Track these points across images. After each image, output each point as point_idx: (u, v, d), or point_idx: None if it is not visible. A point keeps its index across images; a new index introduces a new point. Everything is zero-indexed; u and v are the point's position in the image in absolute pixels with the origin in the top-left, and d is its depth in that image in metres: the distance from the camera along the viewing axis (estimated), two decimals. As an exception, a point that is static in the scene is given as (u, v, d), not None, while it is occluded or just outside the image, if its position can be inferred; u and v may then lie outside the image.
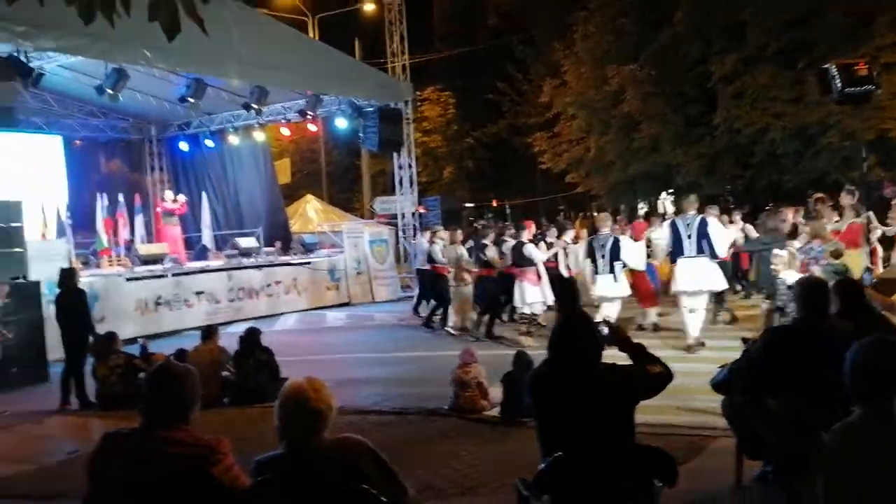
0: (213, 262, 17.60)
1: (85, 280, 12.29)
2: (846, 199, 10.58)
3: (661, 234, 10.66)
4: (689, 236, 9.59)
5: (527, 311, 11.47)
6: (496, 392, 7.41)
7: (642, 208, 31.25)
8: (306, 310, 17.38)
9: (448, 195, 34.52)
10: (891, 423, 2.56)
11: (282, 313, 16.83)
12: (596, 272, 10.18)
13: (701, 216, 9.87)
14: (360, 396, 8.63)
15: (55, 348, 10.24)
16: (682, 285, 9.68)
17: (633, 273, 10.93)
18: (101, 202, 17.47)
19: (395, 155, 20.90)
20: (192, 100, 15.50)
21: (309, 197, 28.99)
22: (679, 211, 10.45)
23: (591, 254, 10.32)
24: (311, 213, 27.13)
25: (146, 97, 17.86)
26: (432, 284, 13.51)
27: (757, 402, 4.42)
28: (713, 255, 9.61)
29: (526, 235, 12.09)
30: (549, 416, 3.51)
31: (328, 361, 11.14)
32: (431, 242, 13.69)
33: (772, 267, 9.22)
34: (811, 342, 4.22)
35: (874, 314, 5.17)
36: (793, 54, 21.36)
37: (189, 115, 19.13)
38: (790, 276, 8.18)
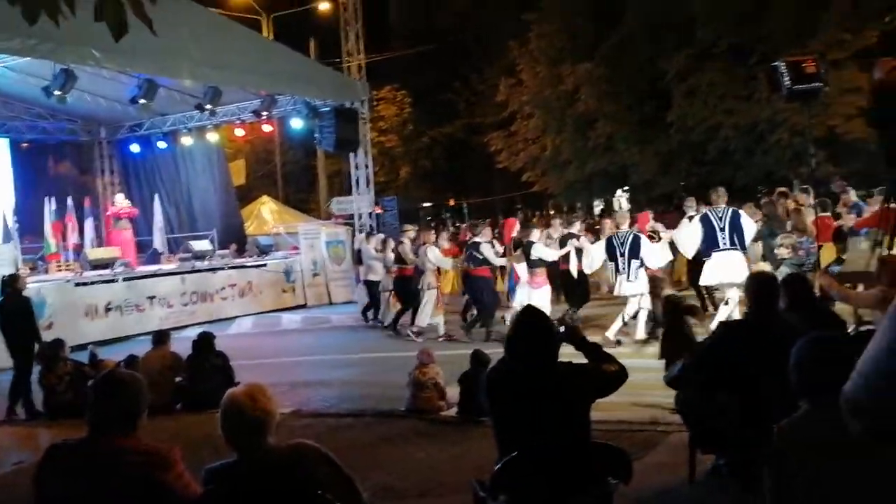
0: (166, 266, 17.32)
1: (33, 286, 12.00)
2: (804, 199, 10.78)
3: (688, 232, 10.44)
4: (723, 229, 9.62)
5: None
6: (454, 392, 7.40)
7: (598, 206, 31.61)
8: (262, 313, 17.18)
9: (405, 195, 34.46)
10: (836, 418, 2.59)
11: (237, 317, 16.62)
12: (617, 271, 10.10)
13: (732, 208, 9.92)
14: (316, 399, 8.56)
15: (1, 356, 9.96)
16: (717, 278, 9.77)
17: None
18: (50, 206, 17.06)
19: (351, 155, 20.77)
20: (143, 101, 15.25)
21: (265, 198, 28.69)
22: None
23: (610, 252, 10.22)
24: (266, 215, 26.85)
25: (95, 98, 17.50)
26: (402, 286, 13.06)
27: (707, 397, 4.47)
28: (743, 248, 9.66)
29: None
30: (504, 415, 3.51)
31: (284, 364, 11.03)
32: (399, 243, 13.45)
33: (778, 254, 9.43)
34: (760, 336, 4.28)
35: (821, 308, 5.28)
36: (743, 51, 21.74)
37: (141, 116, 18.80)
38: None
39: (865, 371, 2.25)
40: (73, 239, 17.58)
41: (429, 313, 12.21)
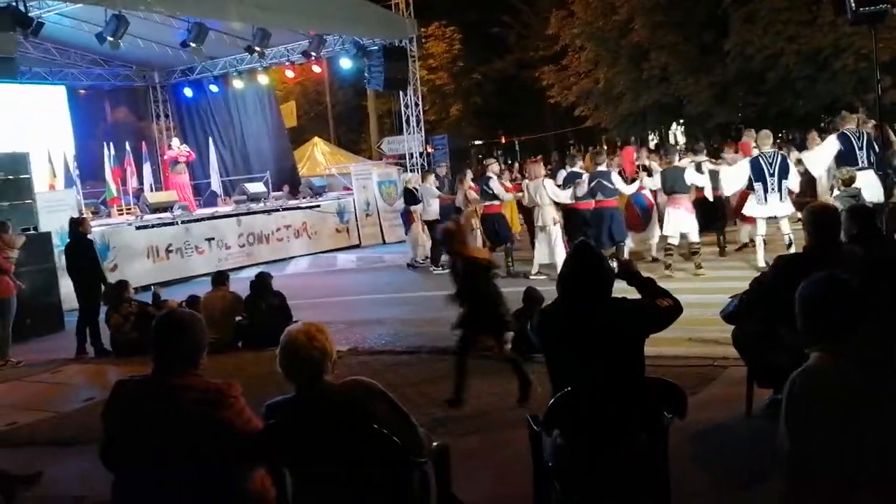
0: (223, 209, 17.62)
1: (96, 230, 12.33)
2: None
3: (738, 171, 10.42)
4: (772, 174, 9.71)
5: (674, 241, 10.58)
6: (507, 329, 7.42)
7: (653, 140, 30.96)
8: (316, 253, 17.42)
9: (456, 133, 34.20)
10: (850, 363, 2.48)
11: (292, 257, 16.89)
12: (765, 191, 9.90)
13: (781, 152, 10.05)
14: (372, 337, 8.69)
15: (69, 298, 10.33)
16: (762, 212, 9.88)
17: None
18: (109, 151, 17.43)
19: (401, 94, 20.65)
20: (193, 44, 15.30)
21: (316, 140, 28.81)
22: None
23: (757, 172, 10.00)
24: (318, 156, 27.00)
25: (148, 43, 17.65)
26: (493, 223, 12.43)
27: (768, 329, 4.40)
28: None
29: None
30: (558, 353, 3.50)
31: (340, 303, 11.20)
32: (488, 178, 12.47)
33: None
34: (822, 268, 4.17)
35: (887, 240, 5.11)
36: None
37: (192, 60, 18.92)
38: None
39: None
40: (132, 183, 18.00)
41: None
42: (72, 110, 19.50)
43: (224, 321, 8.49)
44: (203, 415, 2.96)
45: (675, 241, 10.54)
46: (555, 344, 3.51)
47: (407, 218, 14.43)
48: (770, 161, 9.83)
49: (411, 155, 20.50)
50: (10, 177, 11.11)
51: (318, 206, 18.34)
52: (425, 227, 14.01)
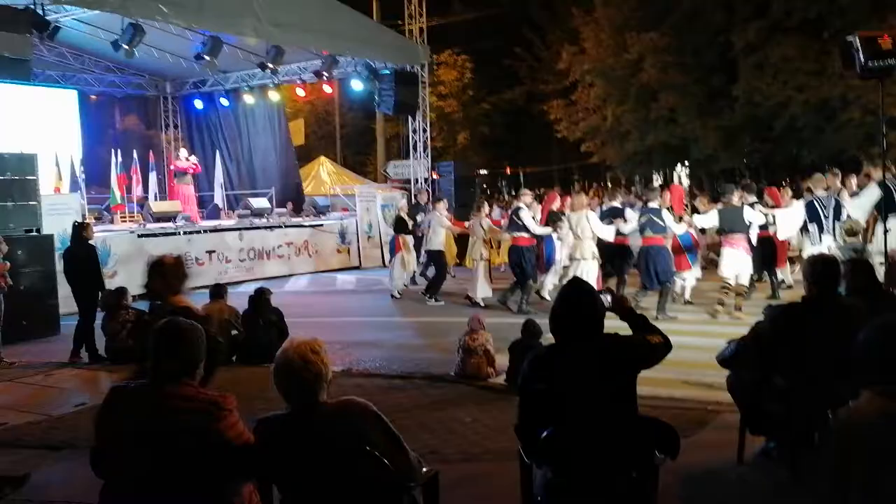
0: (225, 222, 17.65)
1: (98, 235, 12.35)
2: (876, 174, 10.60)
3: (793, 213, 10.56)
4: (827, 216, 9.82)
5: (732, 281, 10.35)
6: (503, 360, 7.43)
7: (657, 180, 31.11)
8: (316, 272, 17.43)
9: (462, 161, 34.33)
10: None
11: (292, 274, 16.89)
12: (820, 231, 9.93)
13: (835, 196, 9.99)
14: (367, 359, 8.68)
15: (66, 302, 10.32)
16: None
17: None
18: (116, 158, 17.49)
19: (409, 119, 20.79)
20: (207, 57, 15.42)
21: (322, 159, 28.95)
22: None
23: (812, 213, 10.06)
24: (324, 176, 27.13)
25: (162, 53, 17.80)
26: (520, 256, 11.65)
27: (764, 378, 4.41)
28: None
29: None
30: (552, 391, 3.48)
31: (337, 324, 11.19)
32: (518, 208, 11.96)
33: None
34: (820, 319, 4.20)
35: (886, 294, 5.14)
36: (818, 24, 21.00)
37: (205, 72, 19.07)
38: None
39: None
40: (137, 191, 18.06)
41: (480, 285, 12.16)
42: (82, 115, 19.62)
43: (219, 334, 8.46)
44: (197, 425, 2.97)
45: (732, 281, 10.33)
46: (548, 384, 3.48)
47: (394, 245, 14.04)
48: (824, 204, 9.93)
49: (416, 180, 20.59)
50: (17, 177, 11.13)
51: (321, 225, 18.38)
52: (426, 255, 13.83)
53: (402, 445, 3.12)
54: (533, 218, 11.66)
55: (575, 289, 3.67)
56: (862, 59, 7.62)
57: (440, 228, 13.20)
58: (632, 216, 11.22)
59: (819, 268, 4.50)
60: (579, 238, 10.97)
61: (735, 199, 10.59)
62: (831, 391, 4.03)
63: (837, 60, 15.40)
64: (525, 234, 11.49)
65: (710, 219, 10.89)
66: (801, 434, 4.20)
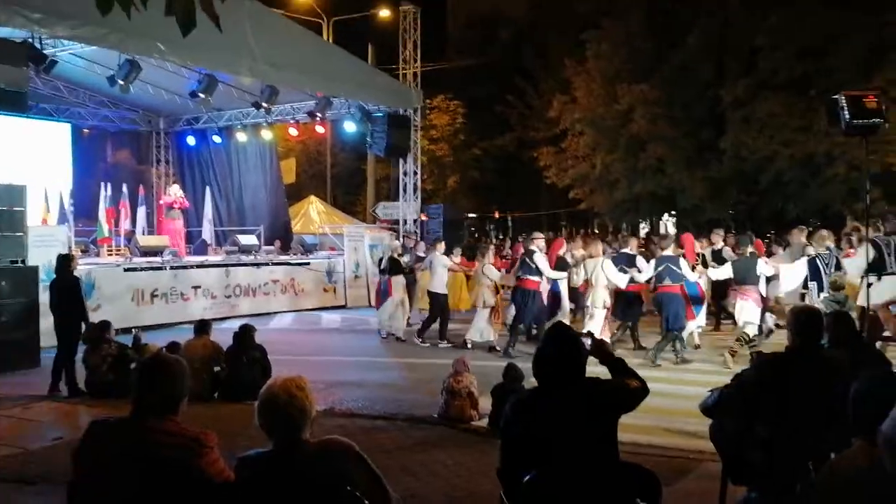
0: (212, 258, 17.62)
1: (83, 268, 12.29)
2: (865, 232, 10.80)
3: (797, 269, 10.54)
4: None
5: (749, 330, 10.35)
6: (486, 403, 7.41)
7: (644, 228, 31.35)
8: (302, 310, 17.37)
9: (451, 204, 34.57)
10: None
11: (278, 312, 16.82)
12: (819, 290, 9.96)
13: (836, 254, 10.15)
14: (350, 399, 8.62)
15: (47, 334, 10.22)
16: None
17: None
18: (105, 191, 17.49)
19: (401, 161, 20.95)
20: (202, 95, 15.54)
21: (312, 198, 29.06)
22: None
23: (813, 271, 10.13)
24: (313, 215, 27.19)
25: (157, 90, 17.92)
26: (525, 299, 11.67)
27: (746, 427, 4.41)
28: None
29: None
30: (533, 436, 3.47)
31: (321, 363, 11.13)
32: (531, 252, 11.78)
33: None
34: (804, 370, 4.22)
35: (866, 346, 5.19)
36: (804, 82, 21.44)
37: (198, 109, 19.18)
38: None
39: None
40: (125, 225, 18.04)
41: (483, 328, 12.04)
42: (74, 148, 19.63)
43: (203, 370, 8.41)
44: (177, 461, 2.94)
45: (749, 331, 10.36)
46: (530, 428, 3.48)
47: (388, 286, 13.53)
48: (826, 262, 10.01)
49: (405, 221, 20.69)
50: (4, 208, 11.09)
51: (308, 263, 18.37)
52: (426, 297, 13.37)
53: (384, 486, 3.09)
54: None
55: (559, 334, 3.69)
56: (847, 117, 7.78)
57: (441, 269, 12.90)
58: (645, 265, 11.23)
59: (803, 319, 4.54)
60: (592, 286, 10.93)
61: (749, 250, 10.71)
62: (813, 442, 4.05)
63: (823, 118, 15.73)
64: (534, 278, 11.37)
65: (724, 271, 10.98)
66: (782, 484, 4.19)
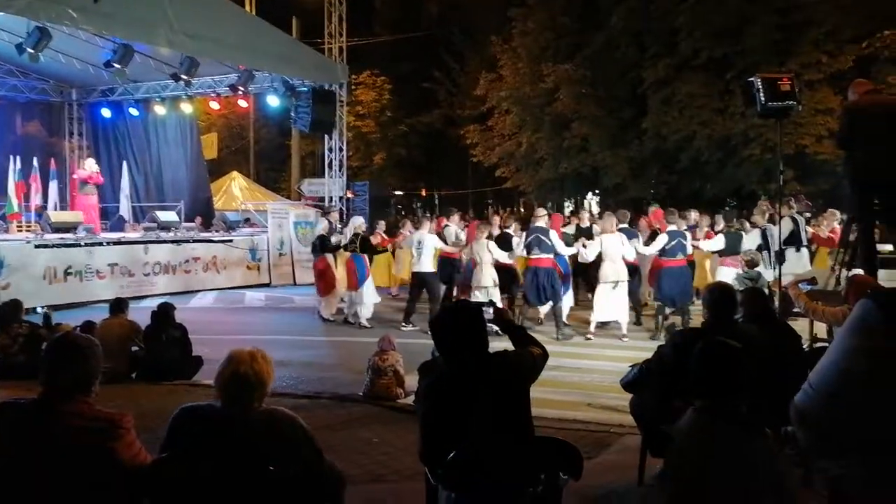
0: (130, 234, 17.09)
1: (-9, 244, 11.77)
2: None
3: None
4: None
5: None
6: (412, 380, 7.40)
7: (569, 206, 31.81)
8: (225, 288, 17.05)
9: (378, 181, 34.36)
10: (725, 423, 2.85)
11: (199, 290, 16.47)
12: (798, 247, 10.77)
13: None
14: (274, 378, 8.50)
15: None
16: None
17: None
18: (14, 165, 16.72)
19: (326, 137, 20.68)
20: (117, 66, 14.95)
21: (235, 174, 28.48)
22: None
23: (766, 241, 10.79)
24: (236, 191, 26.67)
25: (69, 59, 17.18)
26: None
27: (664, 401, 4.53)
28: None
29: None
30: (449, 416, 3.47)
31: (243, 342, 10.78)
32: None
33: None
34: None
35: (779, 322, 5.38)
36: (723, 64, 21.98)
37: (114, 81, 18.43)
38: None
39: (814, 383, 2.31)
40: (36, 200, 17.28)
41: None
42: (-21, 119, 18.73)
43: (120, 350, 8.16)
44: (90, 444, 2.86)
45: None
46: (443, 408, 3.48)
47: (363, 268, 12.41)
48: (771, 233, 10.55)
49: (331, 198, 20.46)
50: None
51: (231, 241, 18.02)
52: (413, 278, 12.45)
53: (322, 455, 3.26)
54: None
55: (454, 306, 3.76)
56: (762, 100, 8.01)
57: (430, 249, 12.20)
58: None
59: (717, 295, 4.68)
60: (612, 261, 10.83)
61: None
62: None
63: (740, 99, 16.19)
64: (548, 256, 11.04)
65: (717, 243, 11.98)
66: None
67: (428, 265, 12.17)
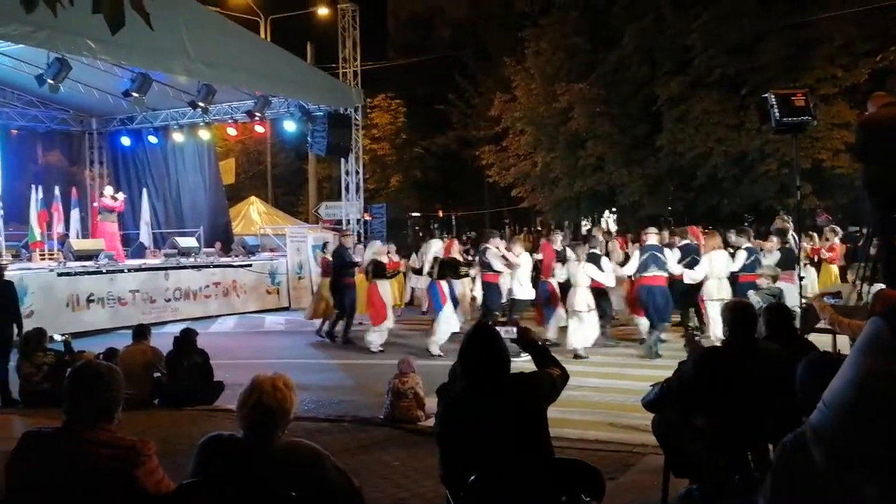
0: (151, 261, 17.25)
1: (14, 273, 11.90)
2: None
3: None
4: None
5: None
6: (432, 403, 7.40)
7: (585, 226, 31.75)
8: (245, 313, 17.13)
9: (395, 203, 34.48)
10: None
11: (219, 315, 16.55)
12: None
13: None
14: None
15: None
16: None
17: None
18: (36, 194, 16.94)
19: (342, 161, 20.82)
20: (136, 94, 15.18)
21: (253, 199, 28.67)
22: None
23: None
24: (254, 216, 26.84)
25: (88, 89, 17.43)
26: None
27: (686, 420, 4.50)
28: None
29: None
30: (468, 438, 3.47)
31: (264, 366, 10.91)
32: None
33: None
34: (740, 363, 4.32)
35: (801, 338, 5.34)
36: (736, 81, 21.95)
37: (132, 109, 18.71)
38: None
39: (829, 402, 2.30)
40: (58, 228, 17.49)
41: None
42: (2, 149, 18.98)
43: (142, 377, 8.22)
44: (114, 472, 2.87)
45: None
46: (463, 431, 3.48)
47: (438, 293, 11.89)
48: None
49: (348, 221, 20.55)
50: (-70, 213, 10.70)
51: (250, 265, 18.13)
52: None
53: (354, 485, 3.21)
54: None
55: (479, 330, 3.75)
56: (777, 115, 8.01)
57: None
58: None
59: (738, 314, 4.65)
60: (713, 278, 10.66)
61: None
62: (751, 433, 4.14)
63: (755, 115, 16.17)
64: (662, 274, 10.83)
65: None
66: (721, 475, 4.28)
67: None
